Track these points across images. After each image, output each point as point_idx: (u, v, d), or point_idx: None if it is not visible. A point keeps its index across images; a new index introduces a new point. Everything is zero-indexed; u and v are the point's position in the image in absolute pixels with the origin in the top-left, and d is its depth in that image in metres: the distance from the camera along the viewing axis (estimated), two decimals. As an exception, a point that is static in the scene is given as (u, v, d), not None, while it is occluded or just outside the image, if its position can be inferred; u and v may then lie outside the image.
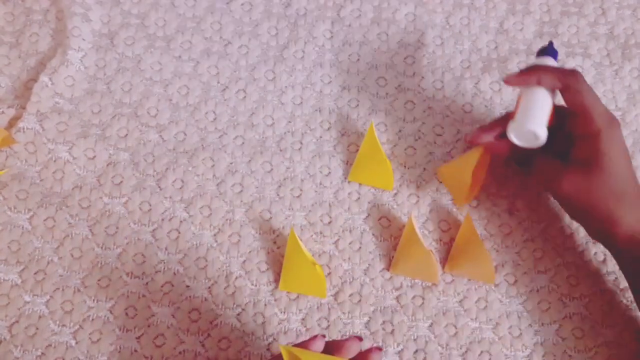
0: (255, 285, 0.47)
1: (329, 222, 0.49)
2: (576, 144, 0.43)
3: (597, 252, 0.49)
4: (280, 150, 0.51)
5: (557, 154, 0.45)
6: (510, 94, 0.54)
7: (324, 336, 0.37)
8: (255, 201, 0.50)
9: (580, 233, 0.49)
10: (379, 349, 0.37)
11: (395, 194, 0.50)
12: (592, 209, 0.42)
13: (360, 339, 0.38)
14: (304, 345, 0.36)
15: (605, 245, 0.45)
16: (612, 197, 0.42)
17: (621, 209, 0.42)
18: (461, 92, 0.54)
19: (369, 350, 0.37)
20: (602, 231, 0.43)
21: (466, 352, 0.46)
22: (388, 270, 0.48)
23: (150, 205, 0.49)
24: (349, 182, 0.51)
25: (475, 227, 0.48)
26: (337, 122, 0.53)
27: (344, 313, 0.47)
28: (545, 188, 0.49)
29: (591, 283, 0.48)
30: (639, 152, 0.52)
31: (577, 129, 0.43)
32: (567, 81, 0.42)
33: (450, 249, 0.49)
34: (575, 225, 0.50)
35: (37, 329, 0.46)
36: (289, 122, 0.52)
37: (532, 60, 0.55)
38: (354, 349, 0.37)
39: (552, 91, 0.44)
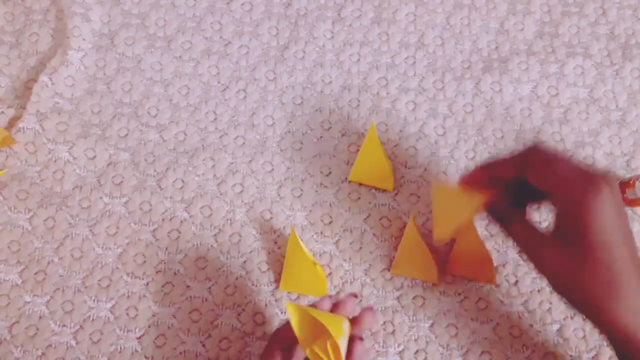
0: (256, 286, 0.47)
1: (330, 222, 0.49)
2: (557, 216, 0.36)
3: (598, 252, 0.49)
4: (281, 150, 0.51)
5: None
6: (510, 94, 0.54)
7: (330, 297, 0.39)
8: (255, 201, 0.50)
9: (581, 233, 0.49)
10: (371, 308, 0.39)
11: (396, 194, 0.50)
12: (579, 298, 0.35)
13: (355, 295, 0.40)
14: (312, 305, 0.39)
15: (597, 328, 0.37)
16: (602, 287, 0.34)
17: (614, 299, 0.34)
18: (462, 92, 0.54)
19: (363, 310, 0.39)
20: (593, 317, 0.36)
21: (467, 352, 0.46)
22: (389, 270, 0.48)
23: (150, 205, 0.49)
24: (349, 182, 0.51)
25: (476, 228, 0.48)
26: (338, 122, 0.52)
27: (344, 313, 0.47)
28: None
29: (592, 283, 0.48)
30: (639, 152, 0.52)
31: (554, 204, 0.36)
32: (524, 166, 0.36)
33: (451, 249, 0.49)
34: (576, 225, 0.50)
35: (37, 329, 0.46)
36: (290, 122, 0.52)
37: (533, 60, 0.55)
38: (350, 305, 0.39)
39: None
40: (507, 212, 0.39)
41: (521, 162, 0.36)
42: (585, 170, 0.34)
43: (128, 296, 0.47)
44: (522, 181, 0.37)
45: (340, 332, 0.36)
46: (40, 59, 0.54)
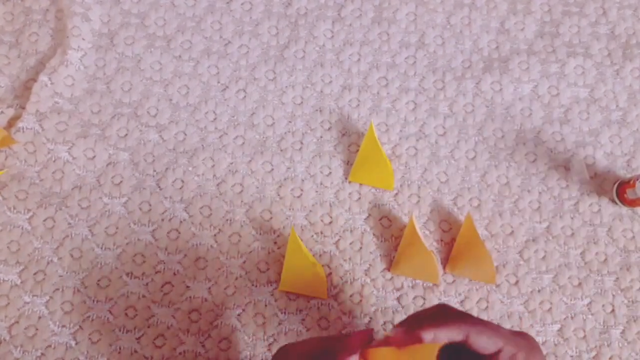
0: (256, 286, 0.47)
1: (330, 222, 0.49)
2: None
3: (599, 252, 0.49)
4: (281, 150, 0.51)
5: None
6: (511, 94, 0.54)
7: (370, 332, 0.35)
8: (255, 201, 0.50)
9: (582, 233, 0.49)
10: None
11: (396, 194, 0.50)
12: None
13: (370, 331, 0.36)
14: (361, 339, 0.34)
15: None
16: None
17: None
18: (462, 92, 0.53)
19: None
20: None
21: (467, 352, 0.45)
22: (389, 270, 0.48)
23: (150, 205, 0.49)
24: (349, 182, 0.50)
25: (477, 228, 0.48)
26: (338, 122, 0.52)
27: (344, 313, 0.47)
28: None
29: (593, 283, 0.48)
30: (639, 152, 0.52)
31: None
32: (468, 333, 0.33)
33: (451, 249, 0.49)
34: (577, 225, 0.49)
35: (36, 329, 0.45)
36: (290, 122, 0.52)
37: (533, 60, 0.55)
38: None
39: None
40: None
41: (463, 330, 0.33)
42: (516, 332, 0.35)
43: (127, 296, 0.47)
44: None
45: None
46: (39, 58, 0.54)
